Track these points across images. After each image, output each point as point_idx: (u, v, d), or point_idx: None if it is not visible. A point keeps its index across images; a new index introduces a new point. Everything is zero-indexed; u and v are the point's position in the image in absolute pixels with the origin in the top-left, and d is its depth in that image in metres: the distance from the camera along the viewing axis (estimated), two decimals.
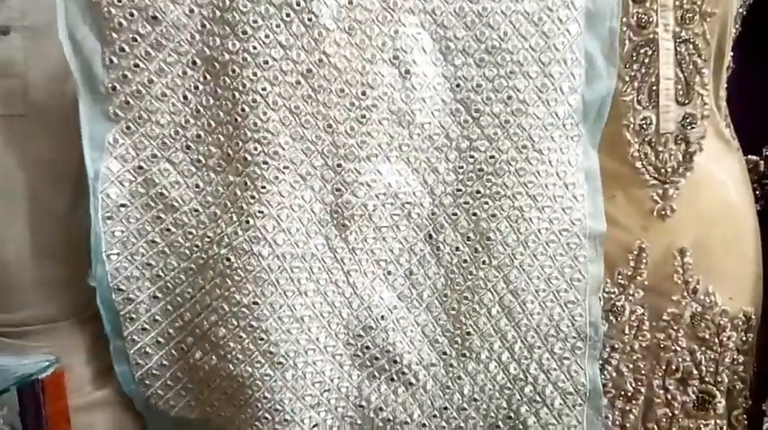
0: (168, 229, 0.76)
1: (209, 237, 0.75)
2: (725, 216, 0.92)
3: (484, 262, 0.80)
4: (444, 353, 0.82)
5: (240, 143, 0.74)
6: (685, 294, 0.92)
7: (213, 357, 0.77)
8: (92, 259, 0.75)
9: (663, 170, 0.90)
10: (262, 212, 0.74)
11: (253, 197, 0.73)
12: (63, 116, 0.80)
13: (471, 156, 0.78)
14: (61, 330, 0.84)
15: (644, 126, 0.89)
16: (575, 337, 0.82)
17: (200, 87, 0.74)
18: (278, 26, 0.72)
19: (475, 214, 0.79)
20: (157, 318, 0.78)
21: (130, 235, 0.75)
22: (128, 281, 0.76)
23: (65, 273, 0.81)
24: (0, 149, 0.82)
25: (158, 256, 0.76)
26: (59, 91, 0.82)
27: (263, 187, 0.73)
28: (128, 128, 0.74)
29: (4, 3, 0.85)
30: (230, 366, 0.76)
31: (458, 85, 0.76)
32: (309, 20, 0.72)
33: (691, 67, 0.88)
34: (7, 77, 0.83)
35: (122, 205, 0.75)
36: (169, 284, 0.77)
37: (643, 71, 0.88)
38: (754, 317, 0.93)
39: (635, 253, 0.92)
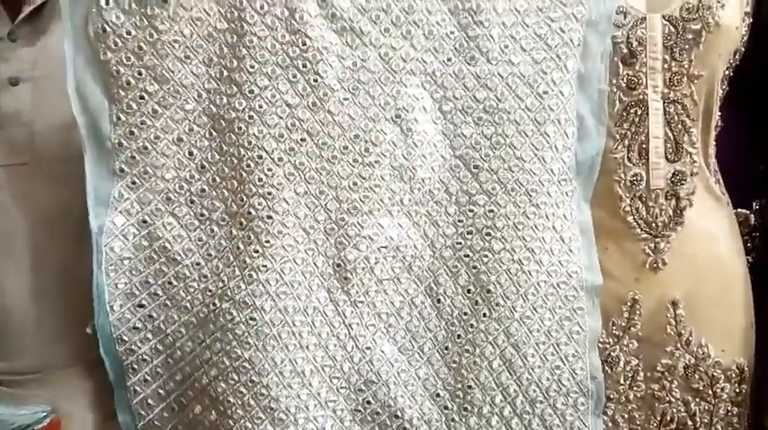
0: (170, 282, 0.76)
1: (210, 290, 0.76)
2: (715, 270, 0.94)
3: (484, 314, 0.80)
4: (446, 408, 0.82)
5: (245, 198, 0.75)
6: (678, 346, 0.94)
7: (213, 412, 0.76)
8: (94, 309, 0.75)
9: (654, 224, 0.93)
10: (265, 266, 0.74)
11: (256, 251, 0.74)
12: (67, 166, 0.81)
13: (471, 210, 0.79)
14: (61, 378, 0.84)
15: (635, 182, 0.92)
16: (576, 393, 0.82)
17: (206, 143, 0.75)
18: (284, 86, 0.74)
19: (475, 267, 0.80)
20: (159, 370, 0.77)
21: (134, 287, 0.75)
22: (130, 332, 0.76)
23: (66, 322, 0.81)
24: (4, 198, 0.83)
25: (160, 309, 0.76)
26: (64, 141, 0.83)
27: (267, 241, 0.74)
28: (133, 183, 0.75)
29: (15, 54, 0.87)
30: (230, 422, 0.75)
31: (457, 143, 0.79)
32: (315, 80, 0.74)
33: (679, 126, 0.91)
34: (14, 127, 0.84)
35: (126, 258, 0.75)
36: (170, 337, 0.77)
37: (633, 130, 0.91)
38: (746, 368, 0.94)
39: (628, 304, 0.93)
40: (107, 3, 0.72)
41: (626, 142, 0.91)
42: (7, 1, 0.89)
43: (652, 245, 0.93)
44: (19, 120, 0.84)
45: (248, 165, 0.74)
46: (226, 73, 0.74)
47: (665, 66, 0.90)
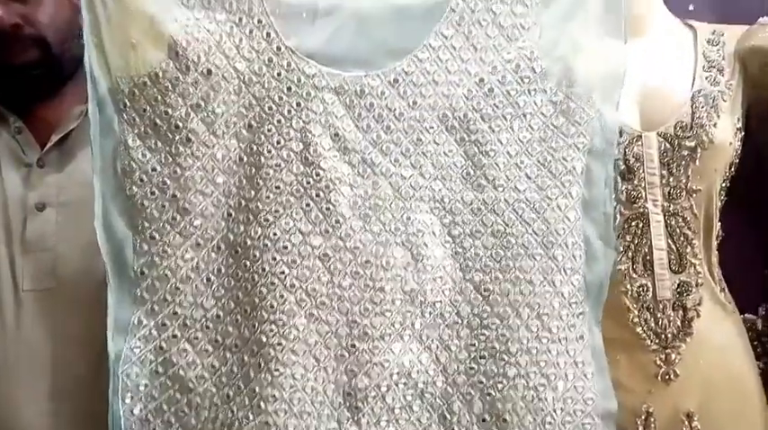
0: (183, 411, 0.76)
1: (220, 419, 0.75)
2: (728, 382, 0.93)
3: None
4: None
5: (257, 324, 0.76)
6: None
7: None
8: None
9: (663, 336, 0.93)
10: (274, 397, 0.74)
11: (266, 380, 0.74)
12: (89, 291, 0.83)
13: (483, 334, 0.79)
14: None
15: (641, 293, 0.93)
16: None
17: (223, 270, 0.77)
18: (297, 214, 0.76)
19: (489, 394, 0.78)
20: None
21: (149, 414, 0.75)
22: None
23: None
24: (28, 322, 0.84)
25: None
26: (87, 266, 0.85)
27: (277, 370, 0.74)
28: (152, 309, 0.76)
29: (43, 180, 0.91)
30: None
31: (467, 266, 0.79)
32: (327, 209, 0.77)
33: (681, 238, 0.93)
34: (38, 252, 0.87)
35: (142, 384, 0.75)
36: None
37: (636, 242, 0.93)
38: None
39: (643, 417, 0.92)
40: (134, 141, 0.76)
41: (629, 254, 0.93)
42: (36, 129, 0.94)
43: (663, 356, 0.93)
44: (44, 245, 0.87)
45: (261, 292, 0.76)
46: (243, 203, 0.77)
47: (663, 181, 0.93)
